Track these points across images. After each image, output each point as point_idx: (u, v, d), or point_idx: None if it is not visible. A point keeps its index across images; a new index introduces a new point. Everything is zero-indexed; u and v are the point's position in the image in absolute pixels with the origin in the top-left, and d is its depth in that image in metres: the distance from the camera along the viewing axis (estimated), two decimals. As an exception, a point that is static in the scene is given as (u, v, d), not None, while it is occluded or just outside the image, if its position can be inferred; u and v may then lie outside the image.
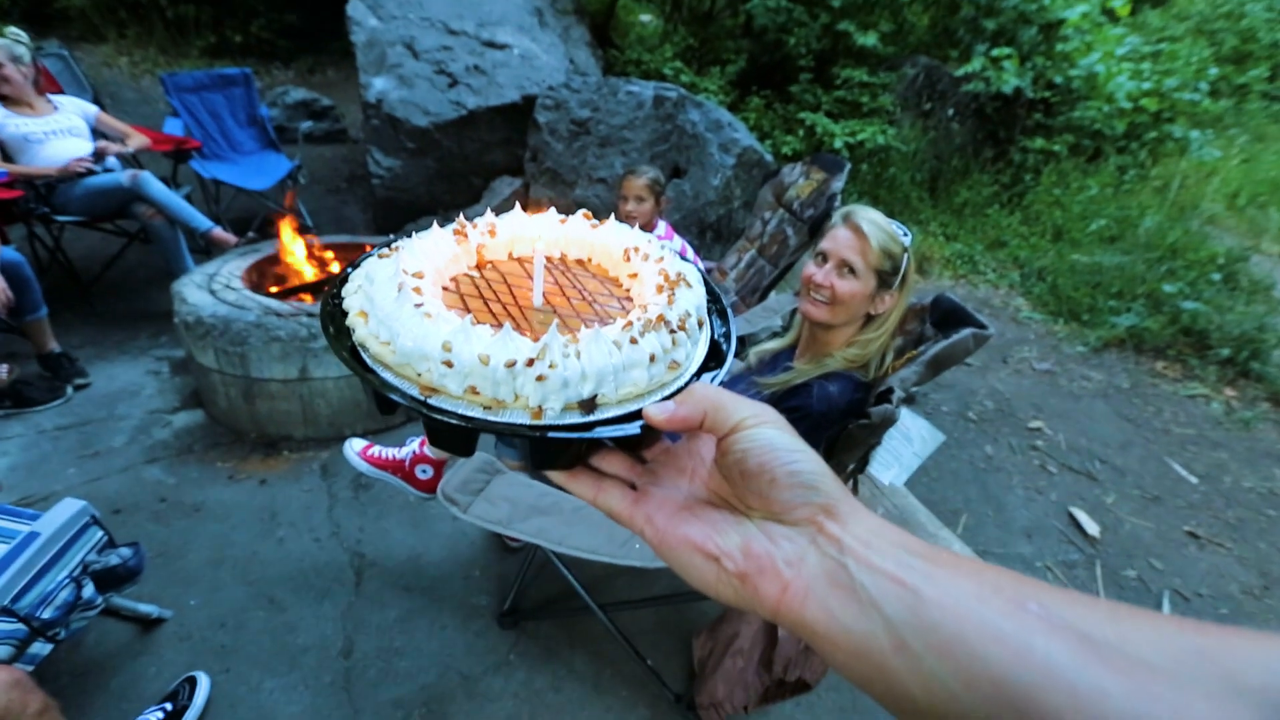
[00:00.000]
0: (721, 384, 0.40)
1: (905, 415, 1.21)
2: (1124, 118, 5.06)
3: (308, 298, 2.55)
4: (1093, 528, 2.24)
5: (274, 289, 2.52)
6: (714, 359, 0.40)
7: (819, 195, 2.24)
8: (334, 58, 6.29)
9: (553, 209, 0.50)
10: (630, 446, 0.37)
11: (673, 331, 0.37)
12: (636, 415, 0.34)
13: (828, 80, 5.19)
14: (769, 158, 3.63)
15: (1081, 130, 5.08)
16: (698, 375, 0.39)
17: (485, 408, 0.34)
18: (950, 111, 5.26)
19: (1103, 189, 4.81)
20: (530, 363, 0.33)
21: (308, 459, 2.19)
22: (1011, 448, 2.67)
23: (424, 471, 1.61)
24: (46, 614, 1.20)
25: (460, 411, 0.34)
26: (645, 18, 6.32)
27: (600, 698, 1.50)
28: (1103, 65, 5.01)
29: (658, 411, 0.32)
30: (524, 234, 0.47)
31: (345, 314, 0.39)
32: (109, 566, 1.29)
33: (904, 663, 0.25)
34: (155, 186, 2.81)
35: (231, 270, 2.43)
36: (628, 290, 0.44)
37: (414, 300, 0.36)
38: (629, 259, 0.45)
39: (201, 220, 2.86)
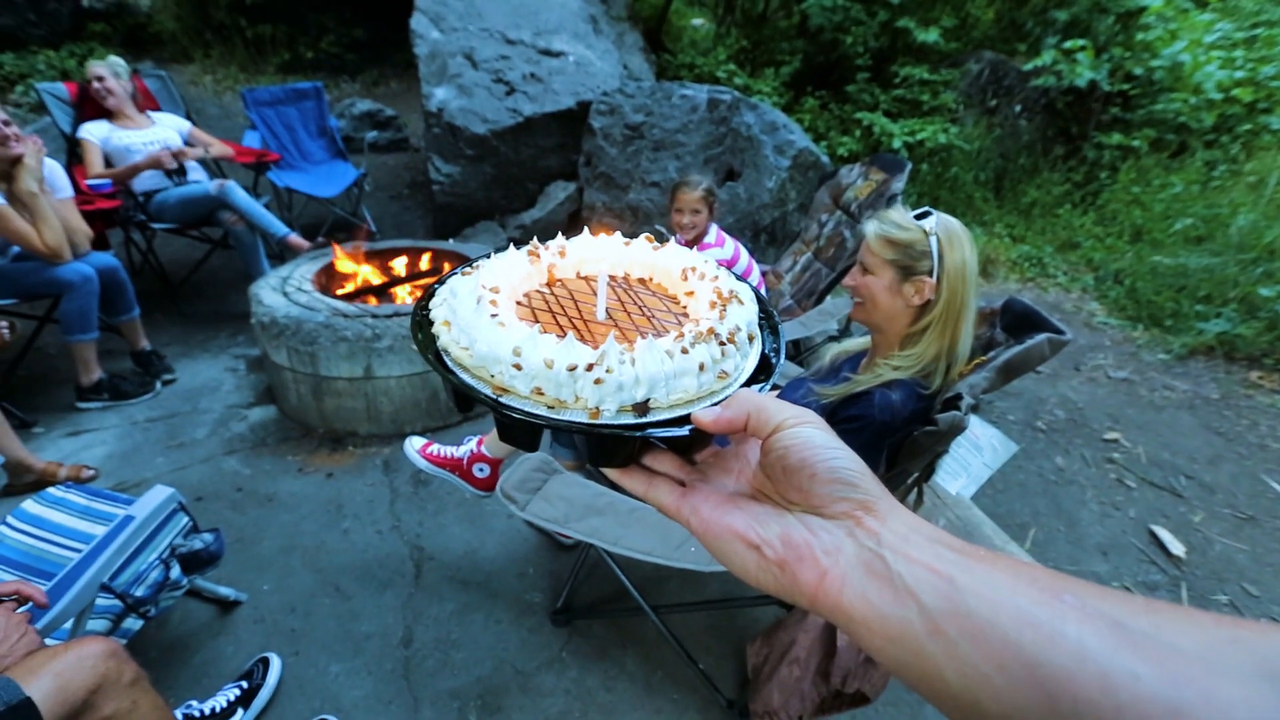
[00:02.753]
0: (779, 389, 0.41)
1: (975, 423, 1.16)
2: (1213, 109, 4.72)
3: (372, 300, 2.66)
4: (1177, 548, 2.09)
5: (340, 291, 2.64)
6: (763, 371, 0.42)
7: (878, 196, 2.18)
8: (397, 70, 6.55)
9: (618, 233, 0.53)
10: (682, 449, 0.39)
11: (722, 344, 0.40)
12: (687, 419, 0.36)
13: (886, 79, 5.06)
14: (825, 159, 3.56)
15: (1164, 124, 4.77)
16: (747, 385, 0.41)
17: (549, 407, 0.37)
18: (1017, 108, 5.04)
19: (1188, 186, 4.49)
20: (589, 368, 0.36)
21: (371, 454, 2.28)
22: (1085, 460, 2.52)
23: (481, 470, 1.65)
24: (139, 592, 1.29)
25: (527, 409, 0.37)
26: (698, 21, 6.31)
27: (651, 699, 1.50)
28: (1189, 54, 4.69)
29: (705, 414, 0.35)
30: (590, 255, 0.50)
31: (431, 323, 0.43)
32: (194, 550, 1.37)
33: (939, 648, 0.26)
34: (239, 194, 3.00)
35: (303, 274, 2.56)
36: (685, 307, 0.47)
37: (490, 311, 0.40)
38: (686, 278, 0.48)
39: (279, 226, 3.03)
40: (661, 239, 0.53)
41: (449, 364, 0.40)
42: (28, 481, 1.97)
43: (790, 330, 2.21)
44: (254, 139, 3.83)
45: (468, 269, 0.46)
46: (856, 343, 1.44)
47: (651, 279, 0.50)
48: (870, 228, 1.19)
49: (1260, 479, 2.47)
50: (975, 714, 0.25)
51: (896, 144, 4.63)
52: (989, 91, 5.04)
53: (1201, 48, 4.76)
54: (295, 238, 3.03)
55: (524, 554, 1.88)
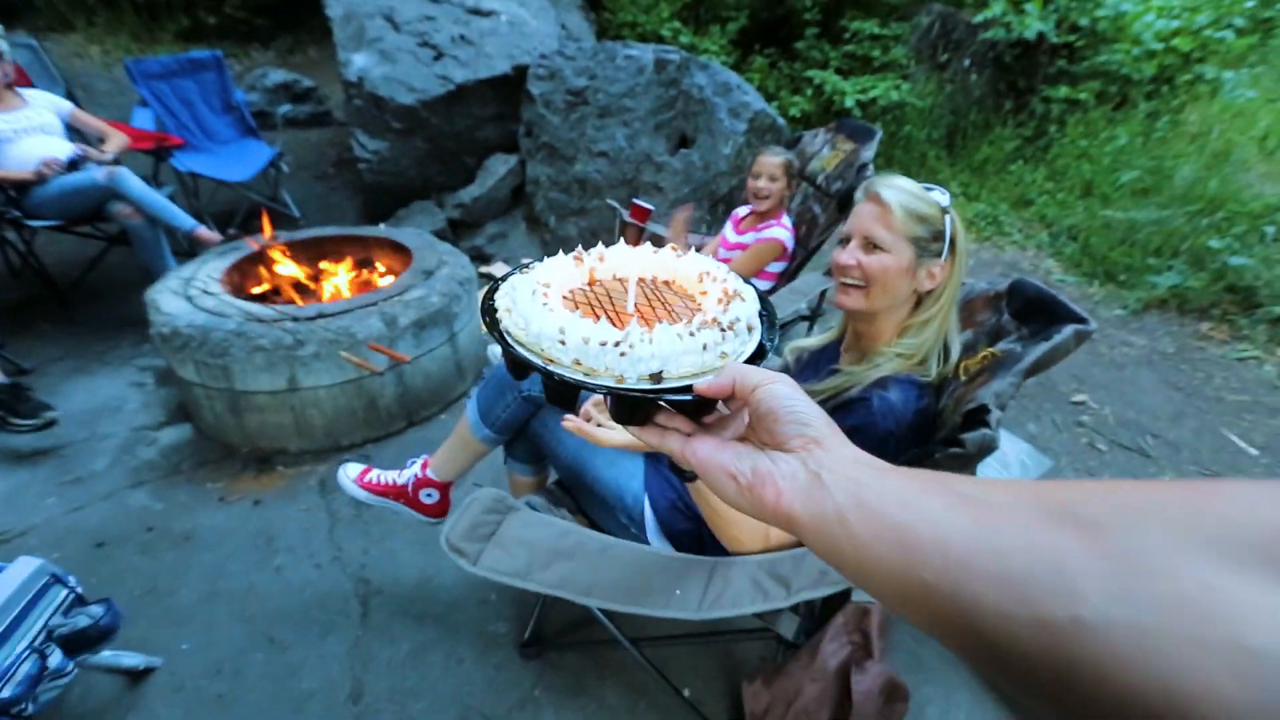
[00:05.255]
0: None
1: (1002, 437, 1.04)
2: (1153, 60, 4.74)
3: (297, 298, 2.37)
4: (1152, 512, 2.08)
5: (255, 290, 2.34)
6: (758, 356, 0.49)
7: (847, 167, 2.02)
8: (314, 35, 5.97)
9: (648, 243, 0.61)
10: (690, 412, 0.46)
11: (723, 330, 0.47)
12: (691, 388, 0.44)
13: (835, 34, 4.88)
14: (781, 122, 3.38)
15: (1108, 75, 4.76)
16: None
17: (585, 374, 0.45)
18: (967, 62, 4.95)
19: (1132, 138, 4.52)
20: (617, 344, 0.44)
21: (304, 474, 2.04)
22: (1056, 425, 2.49)
23: (429, 496, 1.45)
24: (7, 692, 1.06)
25: (568, 376, 0.45)
26: (638, -24, 5.95)
27: (636, 736, 1.37)
28: (1130, 3, 4.67)
29: (701, 383, 0.43)
30: (625, 261, 0.59)
31: (496, 311, 0.51)
32: (78, 629, 1.14)
33: (841, 530, 0.33)
34: (133, 184, 2.62)
35: (210, 272, 2.25)
36: (699, 305, 0.54)
37: (541, 300, 0.49)
38: (702, 280, 0.56)
39: (184, 219, 2.67)
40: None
41: (510, 341, 0.49)
42: (-117, 540, 1.66)
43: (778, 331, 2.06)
44: (145, 117, 3.38)
45: (525, 270, 0.55)
46: (815, 340, 1.29)
47: (674, 282, 0.58)
48: (891, 196, 1.01)
49: (1220, 433, 2.49)
50: (864, 575, 0.32)
51: (849, 103, 4.49)
52: (939, 46, 4.93)
53: (1142, -3, 4.75)
54: (204, 231, 2.69)
55: (485, 579, 1.70)
